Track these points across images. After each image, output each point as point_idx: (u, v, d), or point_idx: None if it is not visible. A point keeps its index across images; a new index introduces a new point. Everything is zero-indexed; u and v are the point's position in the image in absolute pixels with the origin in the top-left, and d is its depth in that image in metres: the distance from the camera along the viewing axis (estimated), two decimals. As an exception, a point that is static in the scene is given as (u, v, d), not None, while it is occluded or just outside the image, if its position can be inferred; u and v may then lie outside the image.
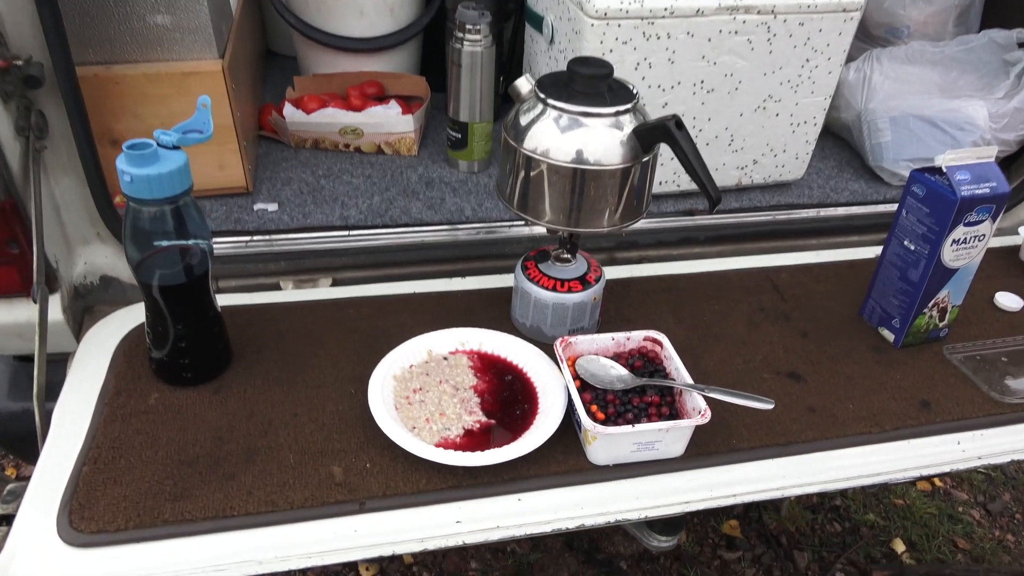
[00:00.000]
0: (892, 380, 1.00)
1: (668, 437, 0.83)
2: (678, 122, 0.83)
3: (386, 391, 0.89)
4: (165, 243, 0.82)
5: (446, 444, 0.84)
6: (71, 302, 1.12)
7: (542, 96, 0.87)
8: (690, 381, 0.87)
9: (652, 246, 1.34)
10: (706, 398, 0.85)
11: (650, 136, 0.86)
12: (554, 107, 0.86)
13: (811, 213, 1.39)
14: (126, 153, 0.76)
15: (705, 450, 0.88)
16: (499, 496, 0.81)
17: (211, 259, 0.86)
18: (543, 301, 0.99)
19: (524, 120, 0.89)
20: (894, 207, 1.39)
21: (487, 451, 0.82)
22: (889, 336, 1.06)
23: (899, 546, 1.74)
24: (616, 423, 0.86)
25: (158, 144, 0.79)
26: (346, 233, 1.22)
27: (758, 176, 1.37)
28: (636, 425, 0.81)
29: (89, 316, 1.17)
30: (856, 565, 1.69)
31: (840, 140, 1.58)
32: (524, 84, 0.90)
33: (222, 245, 1.17)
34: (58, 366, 0.97)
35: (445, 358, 0.95)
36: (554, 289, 0.98)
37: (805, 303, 1.14)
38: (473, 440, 0.85)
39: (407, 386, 0.91)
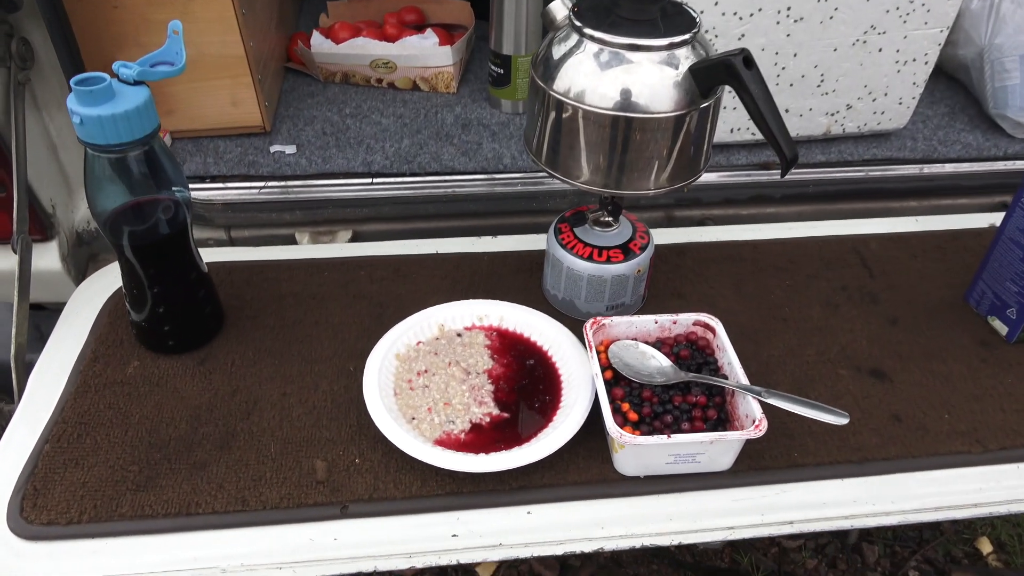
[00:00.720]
0: (1002, 385, 0.81)
1: (713, 449, 0.69)
2: (746, 58, 0.66)
3: (386, 373, 0.77)
4: (132, 197, 0.71)
5: (448, 441, 0.72)
6: (72, 249, 1.05)
7: (578, 25, 0.70)
8: (745, 381, 0.72)
9: (718, 204, 1.16)
10: (763, 403, 0.69)
11: (709, 76, 0.68)
12: (592, 38, 0.70)
13: (913, 170, 1.18)
14: (75, 90, 0.65)
15: (758, 463, 0.73)
16: (505, 507, 0.69)
17: (190, 212, 0.75)
18: (577, 272, 0.84)
19: (556, 54, 0.73)
20: (1018, 165, 1.17)
21: (493, 454, 0.69)
22: (1002, 329, 0.87)
23: (985, 546, 1.55)
24: (652, 425, 0.72)
25: (117, 78, 0.67)
26: (368, 181, 1.09)
27: (851, 124, 1.16)
28: (673, 436, 0.67)
29: (94, 264, 1.09)
30: (933, 564, 1.51)
31: (953, 83, 1.34)
32: (559, 8, 0.74)
33: (233, 191, 1.07)
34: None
35: (459, 334, 0.83)
36: (590, 258, 0.83)
37: (898, 282, 0.95)
38: (480, 437, 0.72)
39: (411, 367, 0.79)
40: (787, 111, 1.12)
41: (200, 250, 0.94)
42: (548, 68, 0.73)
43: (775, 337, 0.87)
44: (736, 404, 0.73)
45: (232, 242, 1.10)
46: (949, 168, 1.18)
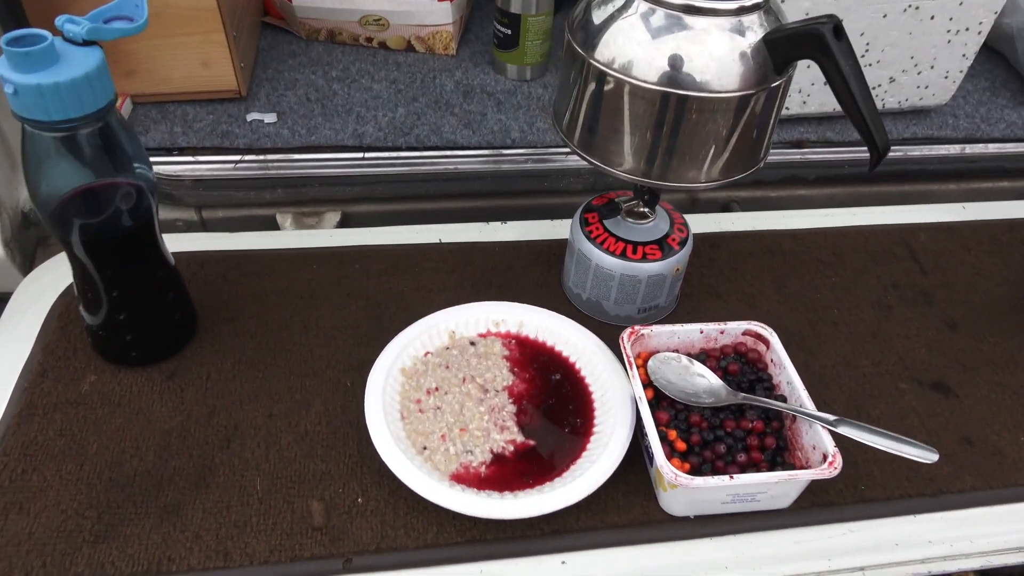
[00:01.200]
0: (1081, 402, 0.73)
1: (776, 487, 0.59)
2: (837, 27, 0.54)
3: (391, 391, 0.66)
4: (83, 183, 0.58)
5: (466, 476, 0.61)
6: (17, 232, 0.91)
7: (628, -18, 0.58)
8: (810, 405, 0.62)
9: (745, 185, 1.06)
10: (833, 434, 0.60)
11: (789, 48, 0.57)
12: (645, -1, 0.58)
13: (954, 150, 1.08)
14: (6, 51, 0.51)
15: (822, 499, 0.64)
16: (537, 556, 0.59)
17: (155, 199, 0.63)
18: (607, 270, 0.73)
19: (598, 16, 0.61)
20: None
21: (521, 495, 0.59)
22: (1076, 336, 0.79)
23: None
24: (702, 456, 0.62)
25: (62, 37, 0.54)
26: (360, 156, 0.97)
27: (892, 99, 1.06)
28: (737, 477, 0.57)
29: (44, 250, 0.96)
30: None
31: (992, 54, 1.24)
32: (602, -38, 0.61)
33: (205, 166, 0.94)
34: None
35: (472, 343, 0.72)
36: (623, 255, 0.72)
37: (952, 279, 0.86)
38: (503, 471, 0.62)
39: (419, 384, 0.67)
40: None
41: (167, 236, 0.81)
42: (588, 33, 0.61)
43: (825, 345, 0.77)
44: (798, 431, 0.63)
45: (204, 224, 0.97)
46: (992, 148, 1.09)
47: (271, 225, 0.97)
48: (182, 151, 0.94)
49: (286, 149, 0.95)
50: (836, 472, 0.57)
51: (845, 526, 0.63)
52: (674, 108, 0.59)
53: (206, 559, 0.56)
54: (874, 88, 1.04)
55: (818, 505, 0.63)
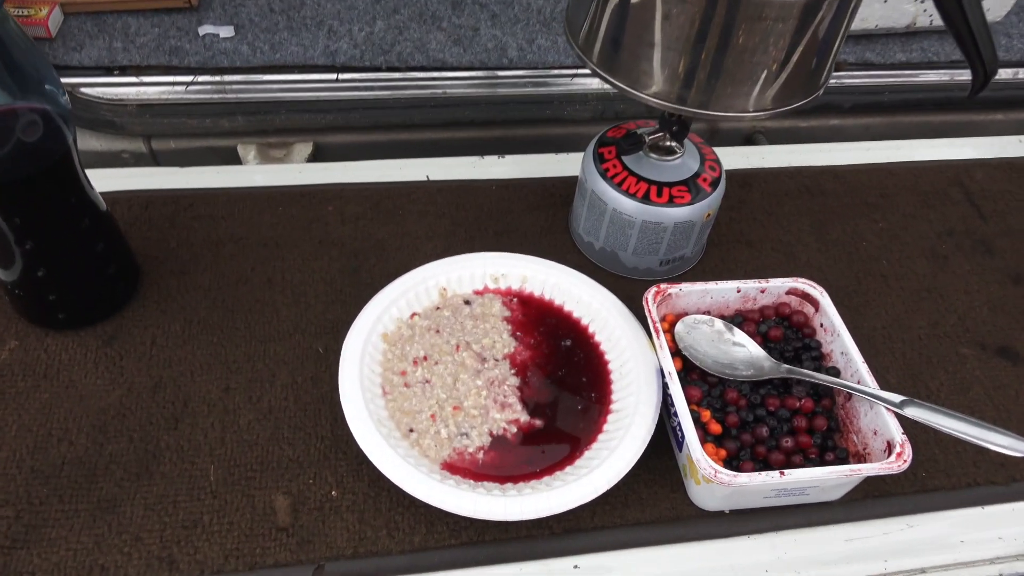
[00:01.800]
0: None
1: (830, 481, 0.50)
2: (942, -91, 0.42)
3: (370, 361, 0.55)
4: (-29, 107, 0.45)
5: (461, 464, 0.51)
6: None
7: None
8: (871, 382, 0.52)
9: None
10: (901, 419, 0.50)
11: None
12: None
13: (1006, 74, 0.96)
14: None
15: (877, 489, 0.54)
16: (544, 560, 0.50)
17: (71, 129, 0.50)
18: (626, 216, 0.62)
19: None
20: None
21: (525, 488, 0.49)
22: None
23: None
24: (740, 440, 0.52)
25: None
26: (332, 78, 0.84)
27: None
28: (788, 473, 0.47)
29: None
30: None
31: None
32: None
33: (152, 88, 0.81)
34: None
35: (467, 302, 0.61)
36: (646, 198, 0.61)
37: (1016, 226, 0.75)
38: (505, 457, 0.52)
39: (404, 352, 0.57)
40: (876, -5, 0.88)
41: (111, 171, 0.69)
42: (616, -84, 0.48)
43: (875, 302, 0.67)
44: (854, 411, 0.54)
45: (155, 157, 0.85)
46: (1053, 74, 0.96)
47: (232, 159, 0.84)
48: (124, 70, 0.81)
49: (246, 69, 0.82)
50: (906, 466, 0.48)
51: (903, 520, 0.54)
52: (723, 14, 0.47)
53: (147, 568, 0.47)
54: (920, 1, 0.91)
55: (872, 496, 0.54)
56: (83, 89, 0.81)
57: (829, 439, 0.53)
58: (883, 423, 0.50)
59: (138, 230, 0.65)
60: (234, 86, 0.82)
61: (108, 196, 0.66)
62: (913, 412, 0.50)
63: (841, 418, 0.55)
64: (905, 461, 0.48)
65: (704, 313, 0.59)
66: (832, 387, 0.54)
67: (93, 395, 0.54)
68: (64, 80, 0.79)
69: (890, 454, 0.49)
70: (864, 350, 0.55)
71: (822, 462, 0.52)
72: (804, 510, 0.53)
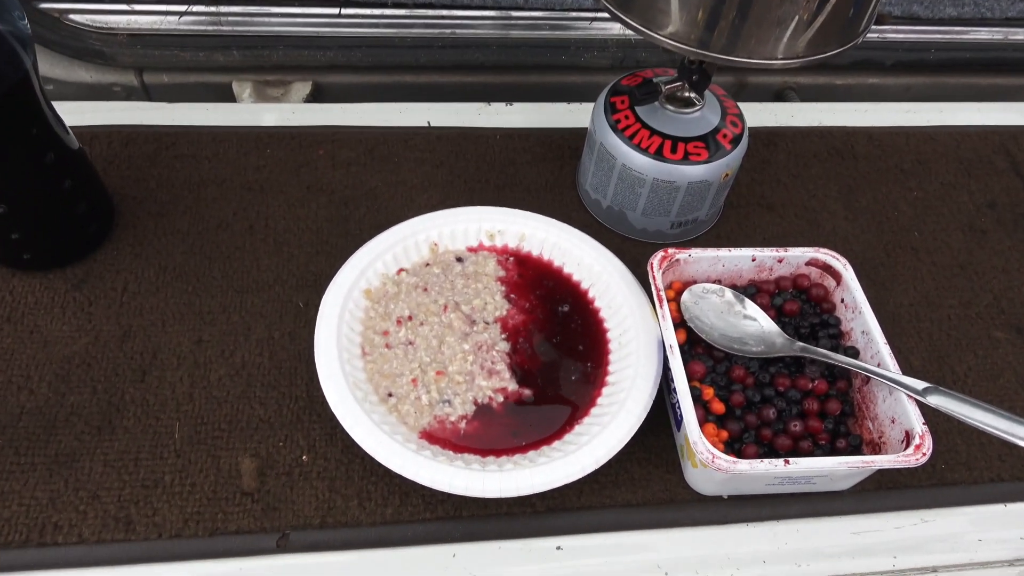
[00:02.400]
0: None
1: (841, 471, 0.46)
2: None
3: (350, 318, 0.52)
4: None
5: (441, 433, 0.48)
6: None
7: None
8: (892, 365, 0.48)
9: (806, 69, 0.86)
10: (923, 407, 0.45)
11: None
12: None
13: (1065, 34, 0.88)
14: None
15: (890, 480, 0.50)
16: (525, 539, 0.47)
17: (31, 55, 0.46)
18: (636, 172, 0.57)
19: None
20: None
21: (508, 462, 0.46)
22: None
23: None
24: (744, 421, 0.48)
25: None
26: (335, 12, 0.78)
27: (1000, -34, 0.85)
28: (794, 462, 0.43)
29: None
30: None
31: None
32: None
33: (143, 17, 0.76)
34: None
35: (459, 259, 0.57)
36: (659, 154, 0.56)
37: (1064, 199, 0.69)
38: (489, 428, 0.48)
39: (388, 311, 0.53)
40: (927, -60, 0.80)
41: (90, 104, 0.66)
42: None
43: (904, 277, 0.62)
44: (871, 396, 0.49)
45: (147, 92, 0.80)
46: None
47: (228, 96, 0.80)
48: (114, -4, 0.76)
49: (243, 0, 0.77)
50: (925, 459, 0.43)
51: (917, 514, 0.50)
52: (751, -54, 0.41)
53: (102, 528, 0.44)
54: (982, -50, 0.83)
55: (884, 487, 0.50)
56: (71, 16, 0.76)
57: (842, 424, 0.49)
58: (903, 411, 0.46)
59: (116, 168, 0.61)
60: (230, 18, 0.77)
61: (86, 131, 0.63)
62: (937, 401, 0.45)
63: (857, 402, 0.50)
64: (924, 455, 0.43)
65: (715, 282, 0.54)
66: (848, 369, 0.49)
67: (58, 341, 0.51)
68: (50, 6, 0.75)
69: (908, 445, 0.44)
70: (887, 330, 0.50)
71: (833, 449, 0.48)
72: (809, 499, 0.49)
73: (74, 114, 0.63)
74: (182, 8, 0.76)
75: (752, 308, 0.52)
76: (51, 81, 0.79)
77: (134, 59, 0.77)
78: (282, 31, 0.78)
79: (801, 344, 0.50)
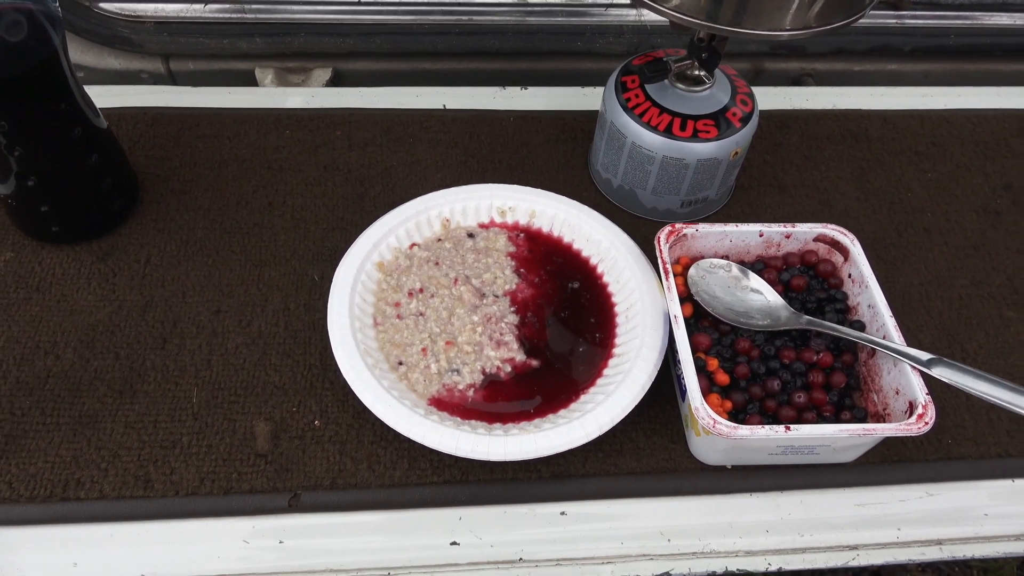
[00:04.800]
0: None
1: (843, 441, 0.46)
2: None
3: (363, 289, 0.53)
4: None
5: (449, 400, 0.49)
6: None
7: None
8: (897, 338, 0.48)
9: (824, 55, 0.86)
10: (926, 377, 0.46)
11: None
12: None
13: (1090, 19, 0.86)
14: None
15: (896, 453, 0.50)
16: (530, 504, 0.48)
17: (60, 33, 0.48)
18: (646, 150, 0.58)
19: None
20: None
21: (514, 429, 0.47)
22: None
23: None
24: (749, 392, 0.49)
25: None
26: (356, 1, 0.80)
27: (1023, -51, 0.84)
28: (795, 428, 0.44)
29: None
30: None
31: None
32: None
33: (170, 5, 0.78)
34: None
35: (471, 235, 0.58)
36: (668, 131, 0.57)
37: (1083, 181, 0.68)
38: (496, 396, 0.49)
39: (400, 283, 0.54)
40: (946, -77, 0.80)
41: (119, 87, 0.68)
42: None
43: (914, 256, 0.61)
44: (876, 369, 0.49)
45: (173, 78, 0.83)
46: None
47: (251, 83, 0.82)
48: (142, -15, 0.78)
49: (266, -13, 0.79)
50: (927, 428, 0.43)
51: (922, 488, 0.50)
52: (755, -82, 0.42)
53: (122, 485, 0.46)
54: (1003, -67, 0.82)
55: (890, 461, 0.50)
56: (101, 4, 0.79)
57: (847, 397, 0.49)
58: (906, 382, 0.46)
59: (141, 147, 0.63)
60: (253, 6, 0.79)
61: (114, 112, 0.65)
62: (941, 372, 0.45)
63: (862, 376, 0.50)
64: (927, 423, 0.44)
65: (722, 258, 0.55)
66: (855, 342, 0.50)
67: (83, 310, 0.53)
68: (81, -6, 0.78)
69: (911, 415, 0.44)
70: (897, 308, 0.51)
71: (837, 421, 0.48)
72: (813, 470, 0.49)
73: (103, 97, 0.65)
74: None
75: (757, 282, 0.52)
76: (81, 68, 0.81)
77: (160, 46, 0.80)
78: (303, 18, 0.80)
79: (808, 318, 0.50)
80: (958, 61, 0.88)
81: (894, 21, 0.85)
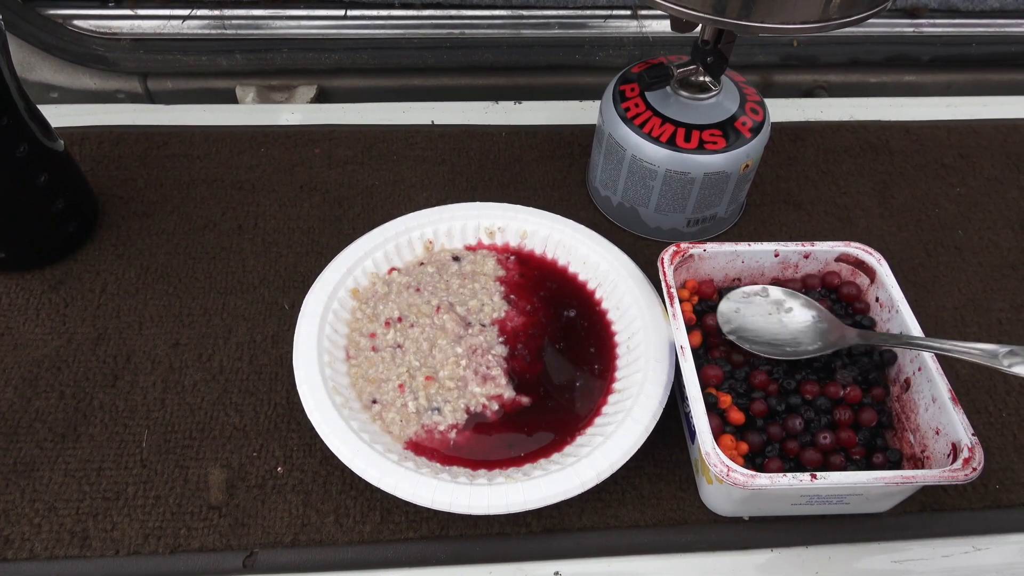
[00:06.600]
0: None
1: (877, 490, 0.40)
2: None
3: (335, 319, 0.48)
4: None
5: (429, 443, 0.43)
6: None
7: None
8: (936, 369, 0.42)
9: (838, 66, 0.82)
10: (972, 416, 0.40)
11: None
12: None
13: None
14: None
15: (936, 501, 0.44)
16: (520, 563, 0.42)
17: (3, 49, 0.44)
18: (647, 163, 0.53)
19: None
20: None
21: (500, 476, 0.41)
22: None
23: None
24: (767, 433, 0.43)
25: None
26: (340, 15, 0.76)
27: (1048, -48, 0.79)
28: (821, 476, 0.38)
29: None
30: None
31: None
32: None
33: (146, 21, 0.75)
34: None
35: (456, 258, 0.53)
36: (671, 143, 0.52)
37: None
38: (482, 440, 0.44)
39: (376, 312, 0.49)
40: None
41: (82, 106, 0.64)
42: None
43: (947, 278, 0.56)
44: (910, 404, 0.44)
45: (151, 98, 0.79)
46: None
47: (231, 100, 0.78)
48: (118, 2, 0.75)
49: (246, 2, 0.75)
50: (975, 475, 0.38)
51: (968, 541, 0.44)
52: (764, -101, 0.37)
53: (55, 543, 0.40)
54: (1026, -64, 0.78)
55: (929, 509, 0.44)
56: (75, 22, 0.75)
57: (879, 437, 0.44)
58: (948, 420, 0.40)
59: (104, 168, 0.59)
60: (233, 21, 0.75)
61: (76, 131, 0.61)
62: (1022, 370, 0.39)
63: (895, 412, 0.45)
64: (975, 469, 0.38)
65: (734, 281, 0.49)
66: (882, 377, 0.44)
67: (29, 344, 0.49)
68: (54, 12, 0.74)
69: (955, 460, 0.39)
70: (930, 335, 0.45)
71: (868, 465, 0.42)
72: (842, 522, 0.43)
73: (70, 116, 0.62)
74: (186, 11, 0.75)
75: (805, 300, 0.46)
76: (55, 89, 0.78)
77: (137, 64, 0.76)
78: (286, 34, 0.76)
79: (856, 330, 0.45)
80: (981, 71, 0.83)
81: (911, 29, 0.80)
